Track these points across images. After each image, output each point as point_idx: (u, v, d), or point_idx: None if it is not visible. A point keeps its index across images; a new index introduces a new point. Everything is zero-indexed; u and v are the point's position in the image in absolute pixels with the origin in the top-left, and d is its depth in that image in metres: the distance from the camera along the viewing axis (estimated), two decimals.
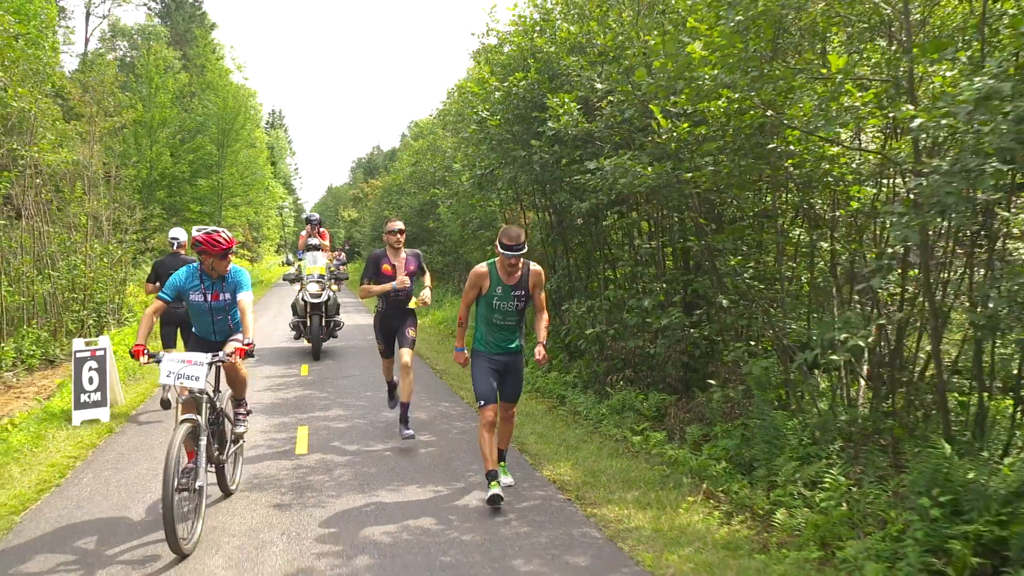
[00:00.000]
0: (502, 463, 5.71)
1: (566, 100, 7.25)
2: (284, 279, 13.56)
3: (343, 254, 14.76)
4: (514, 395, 5.57)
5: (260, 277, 34.38)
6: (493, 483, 5.08)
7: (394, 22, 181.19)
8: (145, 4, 40.36)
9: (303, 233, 13.69)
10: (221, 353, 4.82)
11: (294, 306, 12.43)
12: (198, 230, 5.26)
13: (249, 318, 4.92)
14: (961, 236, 5.39)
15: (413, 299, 7.01)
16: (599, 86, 7.03)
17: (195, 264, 5.16)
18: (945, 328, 5.58)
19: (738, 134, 5.53)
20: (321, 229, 13.48)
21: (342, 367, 11.03)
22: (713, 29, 5.31)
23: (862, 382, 6.27)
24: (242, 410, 5.59)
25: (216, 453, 4.96)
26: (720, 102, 5.54)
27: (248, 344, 4.78)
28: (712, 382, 6.94)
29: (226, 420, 5.26)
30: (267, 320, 17.38)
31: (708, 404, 6.91)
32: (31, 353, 11.86)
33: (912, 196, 4.57)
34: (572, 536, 4.60)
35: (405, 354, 6.74)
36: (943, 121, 4.20)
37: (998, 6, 4.98)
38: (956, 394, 5.73)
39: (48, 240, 14.03)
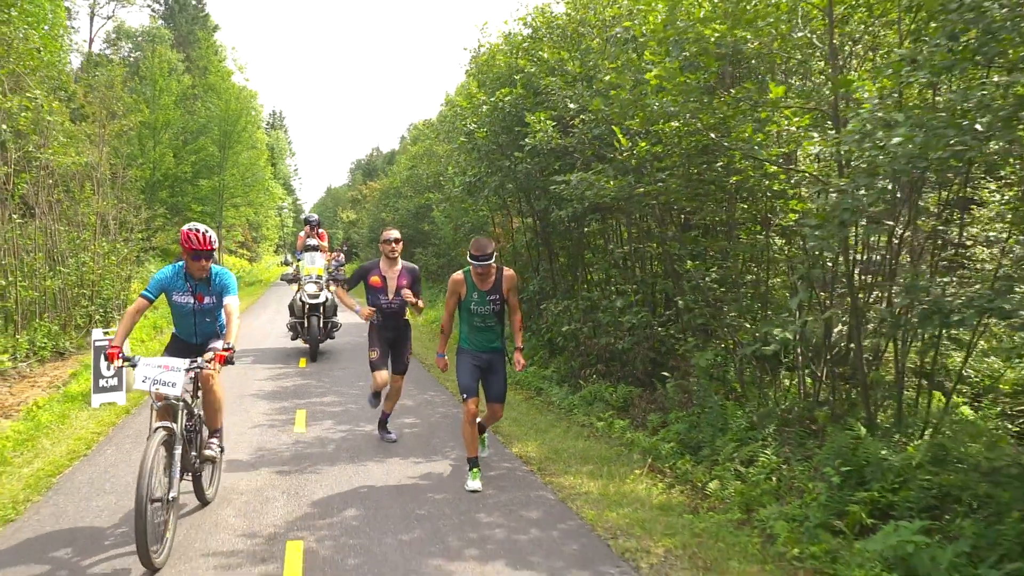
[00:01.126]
0: (483, 435, 6.31)
1: (542, 118, 8.11)
2: (282, 279, 13.69)
3: (341, 255, 15.47)
4: (500, 394, 5.99)
5: (259, 276, 35.24)
6: (474, 470, 5.69)
7: (394, 24, 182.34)
8: (148, 5, 41.28)
9: (301, 234, 13.79)
10: (200, 359, 4.68)
11: (292, 307, 12.45)
12: (187, 227, 4.92)
13: (234, 323, 4.81)
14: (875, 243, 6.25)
15: (409, 311, 6.87)
16: (572, 106, 7.89)
17: (180, 264, 5.01)
18: (864, 325, 6.42)
19: (685, 154, 6.39)
20: (320, 230, 13.65)
21: (338, 361, 11.86)
22: (664, 63, 6.17)
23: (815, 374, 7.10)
24: (215, 440, 5.24)
25: (193, 461, 4.85)
26: (672, 124, 6.41)
27: (228, 350, 4.63)
28: (667, 374, 7.79)
29: (202, 426, 5.16)
30: (267, 318, 18.21)
31: (666, 394, 7.76)
32: (43, 345, 12.65)
33: (824, 210, 5.42)
34: (529, 497, 5.45)
35: (398, 380, 6.85)
36: (843, 147, 5.06)
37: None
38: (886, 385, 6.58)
39: (59, 238, 14.87)
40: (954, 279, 5.45)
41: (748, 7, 6.10)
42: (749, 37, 5.98)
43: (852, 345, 6.05)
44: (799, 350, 6.86)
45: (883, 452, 5.27)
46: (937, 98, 5.31)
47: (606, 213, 9.75)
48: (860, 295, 6.19)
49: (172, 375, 4.46)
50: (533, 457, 6.48)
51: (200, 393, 5.12)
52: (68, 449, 6.60)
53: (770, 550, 4.60)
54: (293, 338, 12.51)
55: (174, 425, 4.45)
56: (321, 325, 11.92)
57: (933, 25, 4.66)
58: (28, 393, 10.21)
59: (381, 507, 5.17)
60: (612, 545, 4.62)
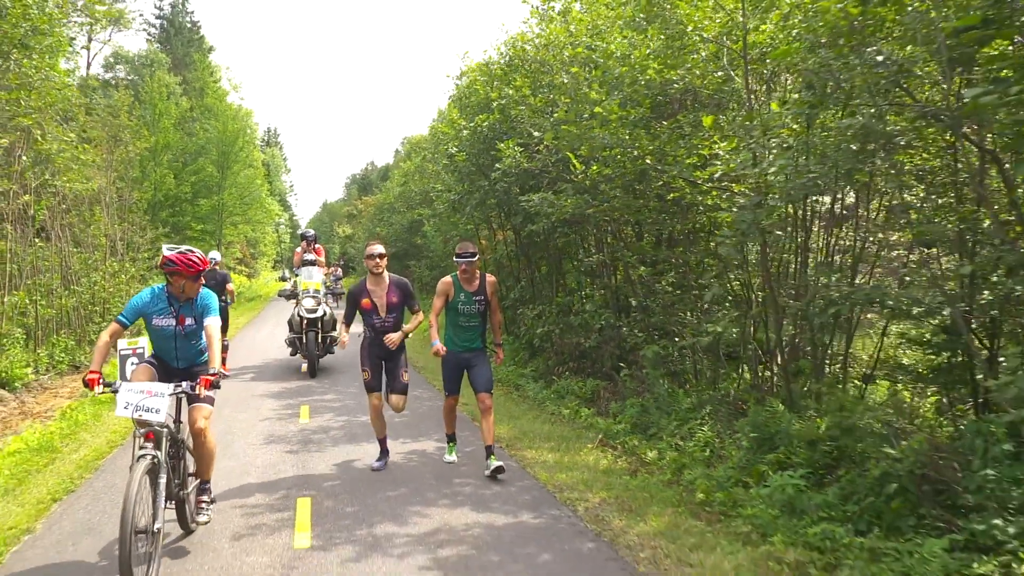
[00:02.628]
0: (492, 456, 6.44)
1: (512, 144, 9.40)
2: (279, 295, 13.81)
3: (339, 269, 16.67)
4: (486, 384, 6.57)
5: (257, 292, 36.49)
6: (451, 445, 6.89)
7: (388, 39, 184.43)
8: (145, 29, 42.76)
9: (298, 249, 13.89)
10: (185, 384, 4.60)
11: (290, 322, 12.49)
12: (169, 249, 4.83)
13: (216, 346, 4.74)
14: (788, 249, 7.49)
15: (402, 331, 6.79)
16: (536, 134, 9.17)
17: (161, 286, 4.94)
18: (783, 320, 7.65)
19: (627, 176, 7.66)
20: (317, 245, 13.83)
21: (337, 365, 13.07)
22: (606, 101, 7.46)
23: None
24: (205, 497, 5.10)
25: (176, 489, 4.78)
26: (615, 151, 7.68)
27: (214, 374, 4.57)
28: (622, 364, 9.03)
29: (187, 452, 5.06)
30: (267, 331, 19.42)
31: (624, 384, 9.00)
32: (60, 359, 13.85)
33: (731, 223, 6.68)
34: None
35: (400, 401, 6.77)
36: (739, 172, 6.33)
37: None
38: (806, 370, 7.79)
39: (71, 259, 16.13)
40: (838, 277, 6.69)
41: (675, 54, 7.40)
42: (675, 79, 7.27)
43: (773, 336, 7.30)
44: (752, 344, 8.10)
45: (796, 425, 6.48)
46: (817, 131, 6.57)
47: (576, 226, 11.02)
48: (779, 295, 7.45)
49: (155, 400, 4.36)
50: (504, 437, 7.70)
51: (191, 441, 5.01)
52: (107, 440, 7.83)
53: (686, 499, 5.82)
54: (292, 353, 12.72)
55: (158, 452, 4.36)
56: (319, 340, 12.00)
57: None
58: (52, 402, 11.42)
59: (375, 477, 6.40)
60: (558, 496, 5.85)
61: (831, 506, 5.28)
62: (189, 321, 4.92)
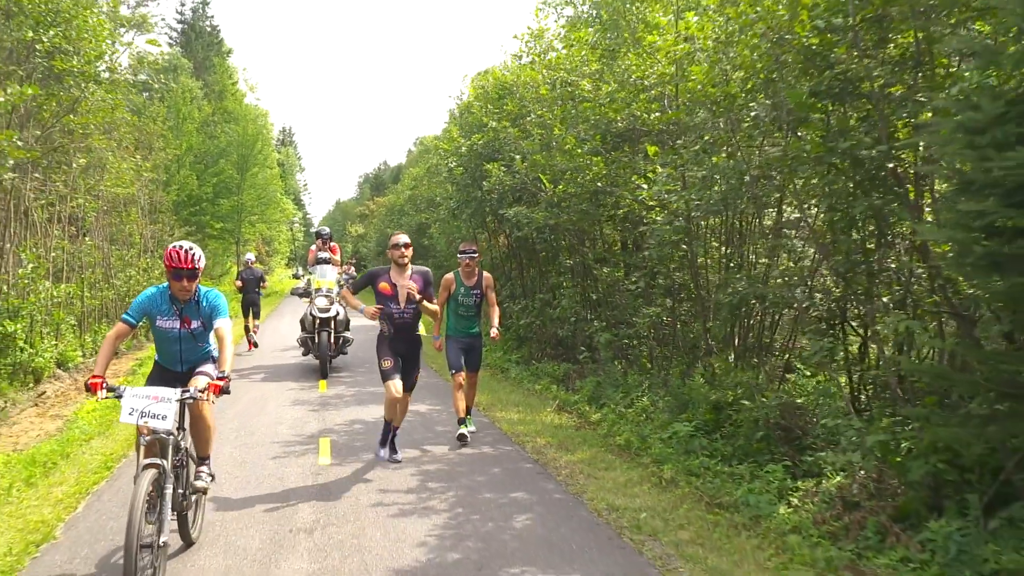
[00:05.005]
0: (468, 416, 8.11)
1: (497, 166, 11.55)
2: (292, 293, 14.04)
3: (352, 268, 18.48)
4: (476, 366, 8.22)
5: (273, 288, 38.88)
6: (461, 426, 8.45)
7: (402, 40, 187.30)
8: (166, 33, 45.34)
9: (313, 247, 14.07)
10: (192, 389, 4.51)
11: (303, 321, 12.62)
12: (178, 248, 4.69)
13: (228, 349, 4.65)
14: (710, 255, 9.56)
15: (422, 326, 7.02)
16: (516, 156, 11.30)
17: (164, 286, 4.82)
18: (711, 314, 9.71)
19: (583, 194, 9.78)
20: (332, 243, 14.02)
21: (351, 352, 15.25)
22: (565, 134, 9.59)
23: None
24: (205, 468, 5.06)
25: (179, 499, 4.66)
26: (575, 174, 9.80)
27: (224, 379, 4.49)
28: (584, 349, 11.15)
29: (189, 461, 4.94)
30: (286, 323, 21.66)
31: (585, 365, 11.11)
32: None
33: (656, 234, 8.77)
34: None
35: (406, 396, 6.97)
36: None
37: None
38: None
39: (110, 256, 18.43)
40: (744, 275, 8.74)
41: (625, 97, 9.51)
42: (619, 118, 9.39)
43: (699, 325, 9.37)
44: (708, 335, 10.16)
45: (714, 396, 8.52)
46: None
47: (552, 234, 13.15)
48: (703, 292, 9.52)
49: (162, 406, 4.26)
50: (481, 403, 9.84)
51: (188, 422, 4.88)
52: None
53: (610, 443, 7.91)
54: (304, 353, 12.86)
55: (164, 462, 4.32)
56: (332, 340, 12.04)
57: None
58: (124, 365, 13.71)
59: (377, 425, 8.55)
60: (513, 439, 8.00)
61: (715, 449, 7.35)
62: (195, 324, 4.84)
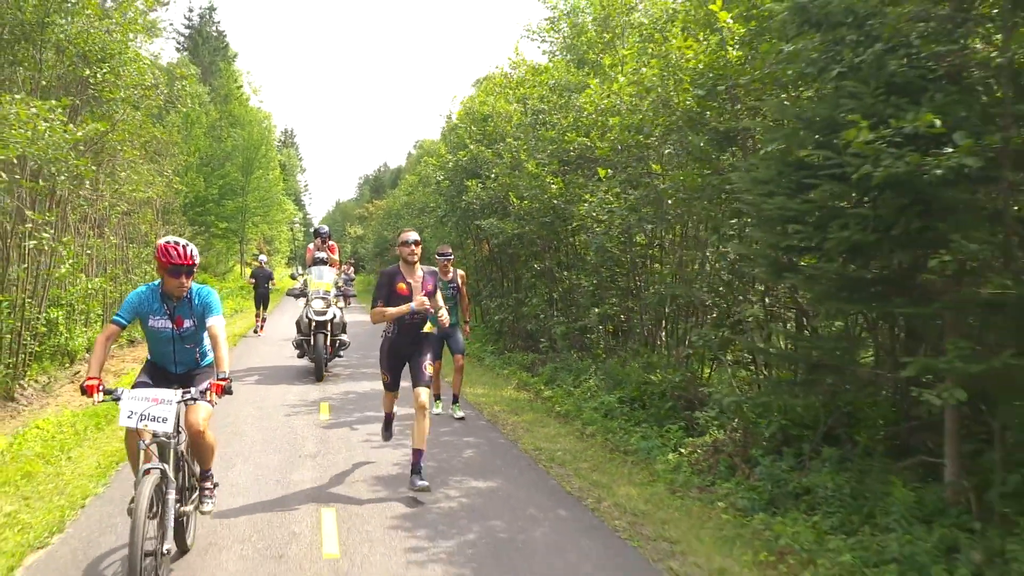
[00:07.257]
0: (456, 404, 9.79)
1: (475, 183, 13.76)
2: (288, 294, 14.05)
3: (351, 269, 20.16)
4: (460, 348, 9.65)
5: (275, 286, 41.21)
6: (436, 402, 10.45)
7: (404, 42, 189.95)
8: (174, 38, 47.61)
9: (311, 246, 14.03)
10: (194, 390, 4.44)
11: (298, 323, 12.60)
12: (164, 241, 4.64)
13: (223, 348, 4.61)
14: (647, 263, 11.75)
15: (429, 323, 6.83)
16: (491, 176, 13.49)
17: (155, 284, 4.75)
18: (646, 306, 11.88)
19: (541, 210, 11.98)
20: (330, 242, 13.96)
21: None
22: (528, 159, 11.79)
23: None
24: (209, 484, 5.03)
25: (177, 504, 4.53)
26: (535, 192, 11.99)
27: (225, 379, 4.45)
28: (542, 340, 13.35)
29: (186, 465, 4.83)
30: (287, 320, 23.83)
31: (545, 353, 13.29)
32: (122, 335, 18.28)
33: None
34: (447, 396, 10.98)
35: (421, 394, 6.48)
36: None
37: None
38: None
39: (128, 253, 20.60)
40: (671, 278, 10.91)
41: (579, 127, 11.71)
42: (571, 147, 11.60)
43: (635, 318, 11.55)
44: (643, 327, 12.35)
45: (649, 376, 10.69)
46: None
47: (522, 242, 15.36)
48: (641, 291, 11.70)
49: (163, 409, 4.21)
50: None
51: (187, 439, 4.79)
52: None
53: (552, 410, 10.07)
54: (300, 356, 12.76)
55: (166, 466, 4.27)
56: (328, 343, 12.13)
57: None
58: (121, 366, 15.86)
59: (369, 395, 10.74)
60: (475, 407, 10.20)
61: (634, 415, 9.51)
62: (187, 324, 4.77)
